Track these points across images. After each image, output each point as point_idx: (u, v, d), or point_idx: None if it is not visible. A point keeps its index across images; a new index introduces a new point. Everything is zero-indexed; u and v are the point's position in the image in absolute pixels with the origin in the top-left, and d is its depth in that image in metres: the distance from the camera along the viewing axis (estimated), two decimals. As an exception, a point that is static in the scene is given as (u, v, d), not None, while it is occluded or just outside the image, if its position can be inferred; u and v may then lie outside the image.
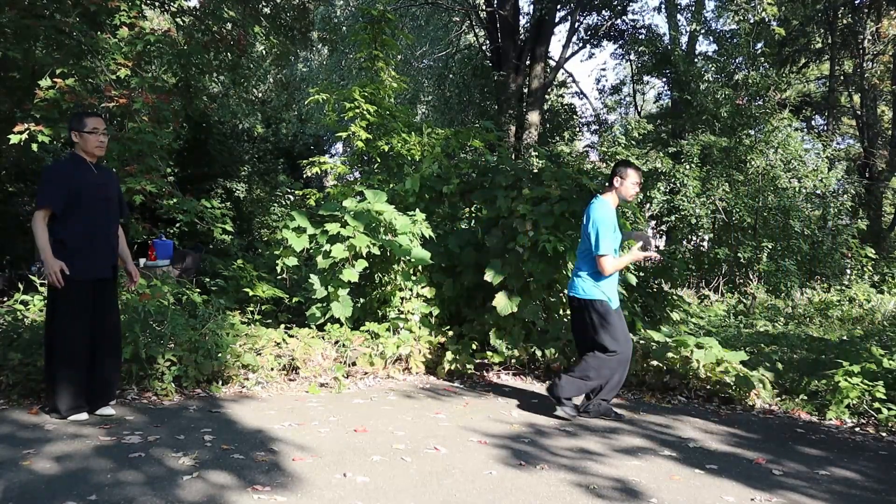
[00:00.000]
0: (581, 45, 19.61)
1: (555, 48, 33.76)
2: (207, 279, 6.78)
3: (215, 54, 7.98)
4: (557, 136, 20.41)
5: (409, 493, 2.91)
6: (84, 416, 3.75)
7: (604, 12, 18.52)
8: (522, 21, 17.84)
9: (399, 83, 7.68)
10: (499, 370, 5.68)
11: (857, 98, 19.44)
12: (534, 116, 16.34)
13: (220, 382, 4.65)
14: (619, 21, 18.79)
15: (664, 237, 16.24)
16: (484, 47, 18.80)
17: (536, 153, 11.66)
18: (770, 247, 11.56)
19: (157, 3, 8.44)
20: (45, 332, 3.85)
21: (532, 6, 17.27)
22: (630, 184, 4.27)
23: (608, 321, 4.23)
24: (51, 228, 3.71)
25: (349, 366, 5.15)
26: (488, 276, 5.49)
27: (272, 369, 4.89)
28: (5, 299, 6.19)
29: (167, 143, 6.48)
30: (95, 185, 3.80)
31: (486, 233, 5.98)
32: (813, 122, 21.34)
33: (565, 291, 6.08)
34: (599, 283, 4.25)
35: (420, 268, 5.74)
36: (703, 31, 17.39)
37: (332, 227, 5.36)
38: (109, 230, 3.90)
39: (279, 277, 6.73)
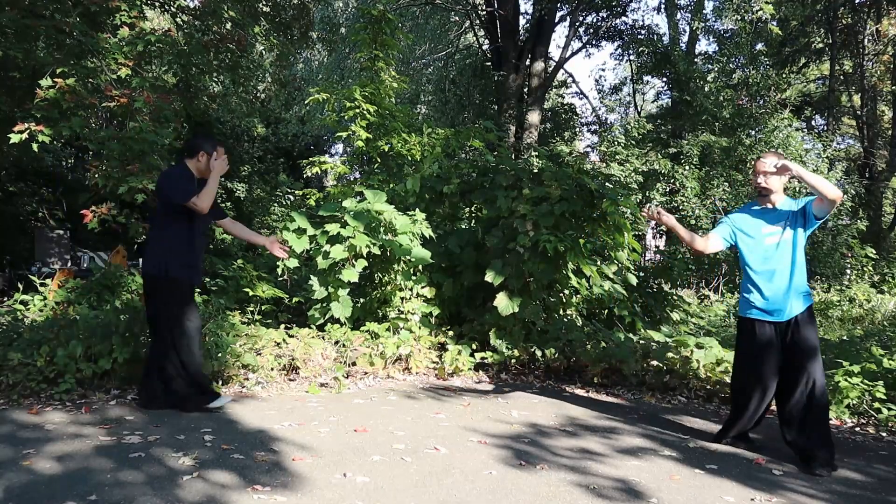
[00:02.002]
0: (581, 45, 19.62)
1: (555, 48, 33.76)
2: (207, 279, 6.78)
3: (215, 54, 7.98)
4: (557, 136, 20.42)
5: (409, 493, 2.91)
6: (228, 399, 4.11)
7: (603, 12, 18.52)
8: (522, 21, 17.85)
9: (399, 83, 7.69)
10: (499, 370, 5.68)
11: (857, 98, 19.44)
12: (534, 116, 16.35)
13: (220, 382, 4.65)
14: (618, 21, 18.80)
15: (664, 237, 16.25)
16: (484, 47, 18.80)
17: (536, 153, 11.66)
18: (770, 247, 11.54)
19: (157, 3, 8.44)
20: (160, 332, 3.95)
21: (532, 6, 17.28)
22: (753, 177, 3.87)
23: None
24: (162, 228, 3.93)
25: (349, 366, 5.15)
26: (489, 277, 5.50)
27: (272, 369, 4.89)
28: (5, 299, 6.19)
29: (168, 143, 6.47)
30: None
31: (486, 233, 5.99)
32: (813, 122, 21.35)
33: (566, 292, 6.10)
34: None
35: (420, 268, 5.74)
36: (703, 30, 17.40)
37: (332, 228, 5.36)
38: (203, 243, 4.12)
39: (279, 278, 6.73)
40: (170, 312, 3.91)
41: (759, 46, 16.32)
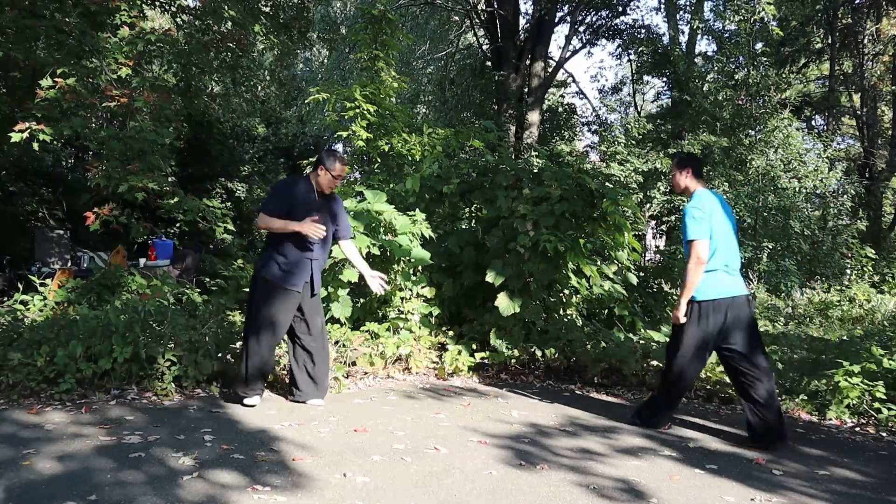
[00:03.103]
0: (581, 45, 19.63)
1: (555, 48, 33.78)
2: (207, 279, 6.79)
3: (215, 54, 7.98)
4: (557, 136, 20.42)
5: (409, 493, 2.91)
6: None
7: (603, 12, 18.53)
8: (522, 21, 17.85)
9: (399, 83, 7.68)
10: (499, 370, 5.68)
11: (857, 98, 19.45)
12: (534, 116, 16.35)
13: (221, 383, 4.65)
14: (618, 21, 18.81)
15: (664, 237, 16.25)
16: (484, 47, 18.80)
17: (536, 153, 11.66)
18: (770, 247, 11.57)
19: (157, 3, 8.44)
20: (246, 319, 4.26)
21: (532, 6, 17.28)
22: None
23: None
24: (271, 232, 4.20)
25: (349, 366, 5.15)
26: (489, 277, 5.49)
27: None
28: (5, 299, 6.20)
29: (169, 143, 6.48)
30: (312, 210, 4.20)
31: (486, 233, 5.98)
32: (813, 122, 21.35)
33: (566, 292, 6.10)
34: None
35: (420, 268, 5.74)
36: (703, 29, 17.40)
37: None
38: (308, 252, 4.19)
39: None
40: (254, 306, 4.18)
41: (759, 46, 16.32)
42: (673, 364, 3.95)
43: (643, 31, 18.62)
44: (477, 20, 17.97)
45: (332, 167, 4.24)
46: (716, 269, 3.87)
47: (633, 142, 14.71)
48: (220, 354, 4.64)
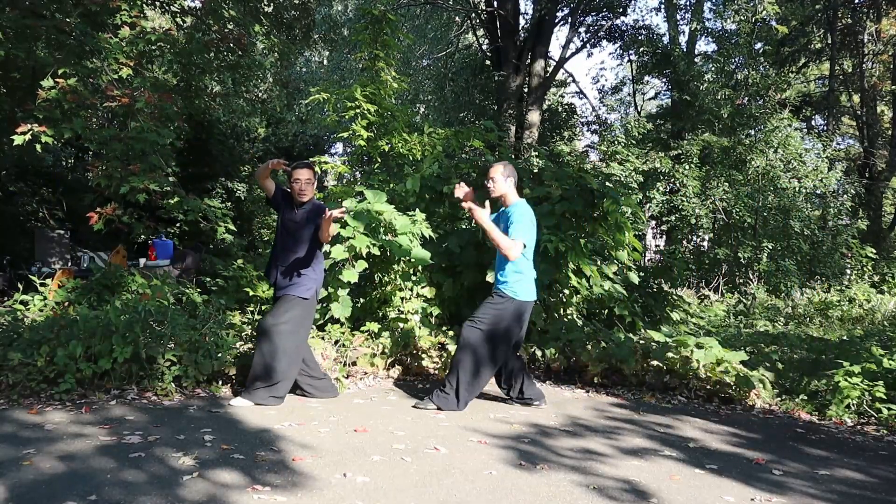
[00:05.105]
0: (581, 45, 19.62)
1: (555, 48, 33.77)
2: (207, 279, 6.78)
3: (216, 54, 7.97)
4: (557, 136, 20.43)
5: (409, 493, 2.92)
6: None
7: (603, 12, 18.53)
8: (522, 21, 17.84)
9: (399, 83, 7.68)
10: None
11: (857, 98, 19.45)
12: (534, 116, 16.35)
13: (221, 382, 4.65)
14: (619, 21, 18.81)
15: (664, 237, 16.26)
16: (484, 47, 18.80)
17: (537, 153, 11.66)
18: (770, 247, 11.57)
19: (157, 3, 8.44)
20: (281, 342, 4.28)
21: (532, 6, 17.28)
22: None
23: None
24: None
25: (349, 366, 5.15)
26: (490, 277, 5.49)
27: (272, 369, 4.88)
28: (5, 299, 6.20)
29: (170, 143, 6.47)
30: (290, 220, 4.46)
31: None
32: (813, 122, 21.35)
33: (566, 292, 6.11)
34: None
35: (420, 268, 5.74)
36: (702, 30, 17.40)
37: (332, 228, 5.35)
38: (281, 252, 4.45)
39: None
40: None
41: (759, 46, 16.33)
42: (487, 350, 4.37)
43: (643, 31, 18.61)
44: (477, 20, 17.97)
45: (293, 174, 4.43)
46: (533, 275, 4.42)
47: (633, 142, 14.71)
48: (220, 355, 4.64)
